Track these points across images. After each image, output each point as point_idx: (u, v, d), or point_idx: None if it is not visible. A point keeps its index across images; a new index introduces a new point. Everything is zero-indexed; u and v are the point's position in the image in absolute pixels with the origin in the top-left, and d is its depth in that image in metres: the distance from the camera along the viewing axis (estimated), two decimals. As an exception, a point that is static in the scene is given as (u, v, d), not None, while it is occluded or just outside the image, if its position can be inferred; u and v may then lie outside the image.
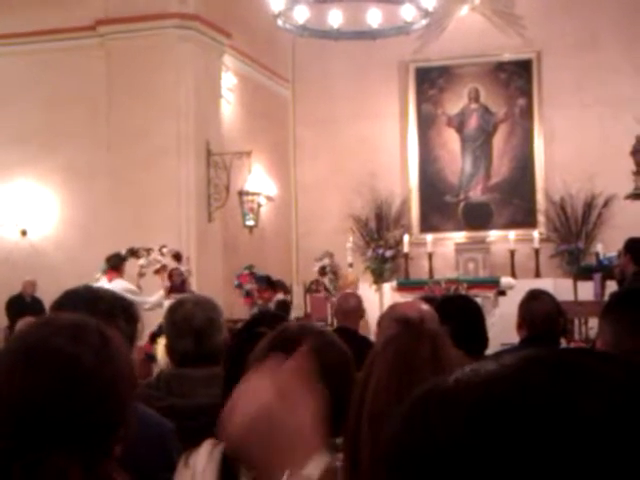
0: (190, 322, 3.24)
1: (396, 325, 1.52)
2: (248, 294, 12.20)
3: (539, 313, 4.31)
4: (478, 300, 5.18)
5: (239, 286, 12.06)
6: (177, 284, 10.29)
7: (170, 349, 3.30)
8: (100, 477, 1.44)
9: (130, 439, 1.51)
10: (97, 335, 1.49)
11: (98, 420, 1.42)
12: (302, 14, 9.95)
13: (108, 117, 11.82)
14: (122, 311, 2.46)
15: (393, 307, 3.63)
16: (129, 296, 9.92)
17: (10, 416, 1.41)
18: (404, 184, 14.99)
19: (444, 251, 14.57)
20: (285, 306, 11.52)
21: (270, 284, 11.79)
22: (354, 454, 1.44)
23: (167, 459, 2.70)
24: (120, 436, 1.48)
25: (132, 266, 10.41)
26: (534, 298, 4.41)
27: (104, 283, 10.11)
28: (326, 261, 13.21)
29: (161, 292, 10.17)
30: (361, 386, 1.49)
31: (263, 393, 1.16)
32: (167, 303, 9.08)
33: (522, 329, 4.41)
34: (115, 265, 10.08)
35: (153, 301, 10.03)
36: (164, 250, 10.56)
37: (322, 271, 13.14)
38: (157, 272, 10.40)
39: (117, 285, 10.10)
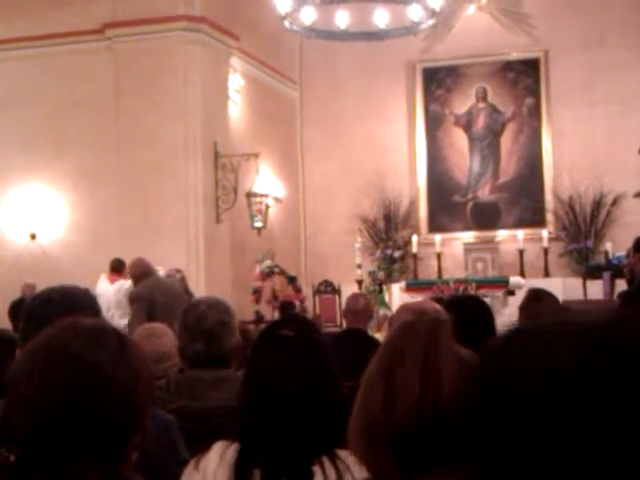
0: (202, 324, 3.24)
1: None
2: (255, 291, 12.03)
3: (540, 315, 4.31)
4: (487, 300, 5.17)
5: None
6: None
7: (181, 351, 3.30)
8: None
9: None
10: (115, 340, 1.49)
11: (116, 426, 1.42)
12: (309, 15, 9.94)
13: (116, 120, 11.83)
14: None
15: (404, 306, 3.65)
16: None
17: (28, 418, 1.41)
18: (412, 184, 14.97)
19: (453, 251, 14.55)
20: (291, 307, 11.45)
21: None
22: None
23: (174, 451, 2.72)
24: (138, 441, 1.48)
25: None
26: (536, 299, 4.40)
27: (106, 284, 10.23)
28: (268, 262, 12.17)
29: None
30: (386, 376, 1.51)
31: None
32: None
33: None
34: (117, 268, 10.25)
35: None
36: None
37: (269, 273, 12.03)
38: None
39: (119, 285, 10.21)
